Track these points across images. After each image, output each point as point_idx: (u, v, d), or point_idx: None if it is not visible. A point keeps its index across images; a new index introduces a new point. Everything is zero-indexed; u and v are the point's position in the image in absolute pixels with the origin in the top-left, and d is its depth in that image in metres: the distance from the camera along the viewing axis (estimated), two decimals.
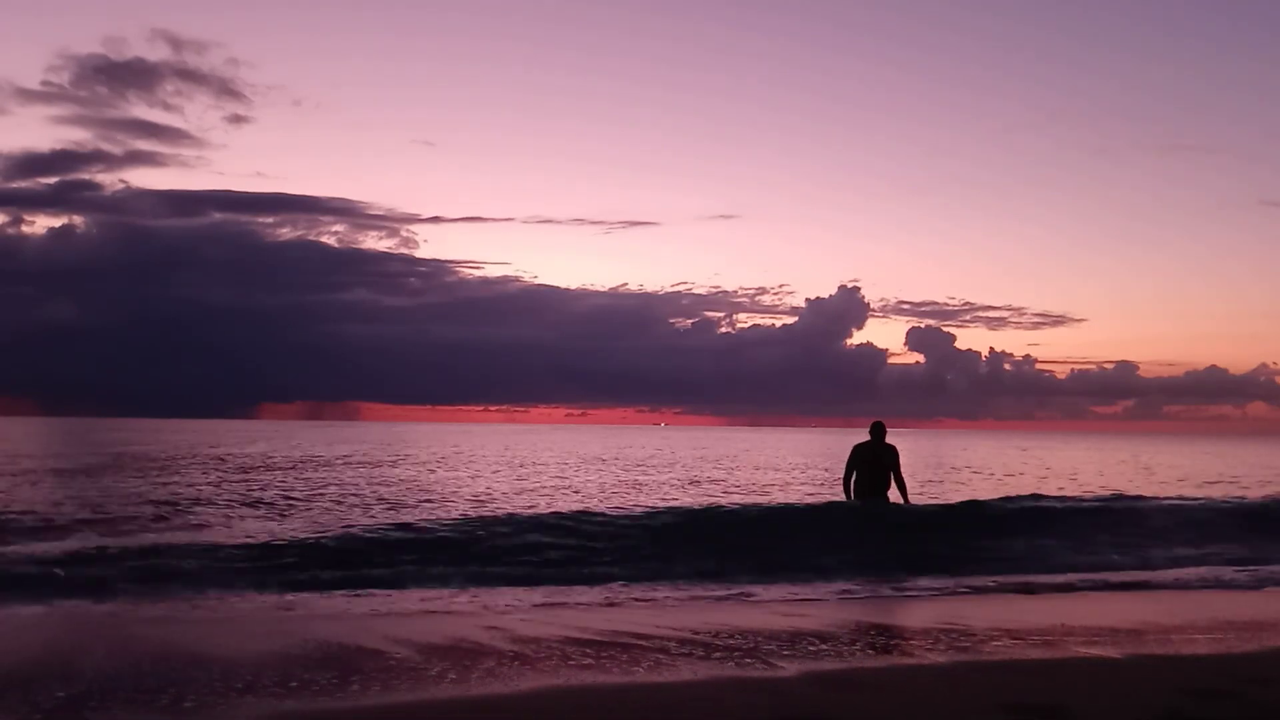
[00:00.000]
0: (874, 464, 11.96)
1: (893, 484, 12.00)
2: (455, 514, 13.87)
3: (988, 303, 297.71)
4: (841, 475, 12.36)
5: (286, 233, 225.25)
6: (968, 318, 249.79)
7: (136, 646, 6.06)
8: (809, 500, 16.16)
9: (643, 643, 6.37)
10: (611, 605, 8.31)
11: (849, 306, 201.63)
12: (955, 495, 19.29)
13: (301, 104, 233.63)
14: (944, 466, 36.35)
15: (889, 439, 12.01)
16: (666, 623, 7.12)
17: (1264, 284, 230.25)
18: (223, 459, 31.37)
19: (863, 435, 12.14)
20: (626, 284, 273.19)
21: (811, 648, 6.31)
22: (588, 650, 6.13)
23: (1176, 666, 5.74)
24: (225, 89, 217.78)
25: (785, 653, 6.11)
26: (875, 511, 12.09)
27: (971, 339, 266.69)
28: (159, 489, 18.87)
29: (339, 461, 31.74)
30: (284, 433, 79.90)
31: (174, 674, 5.32)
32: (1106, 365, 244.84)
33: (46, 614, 7.35)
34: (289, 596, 8.45)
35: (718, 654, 6.06)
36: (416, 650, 6.02)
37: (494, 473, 27.32)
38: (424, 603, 8.28)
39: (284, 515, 14.73)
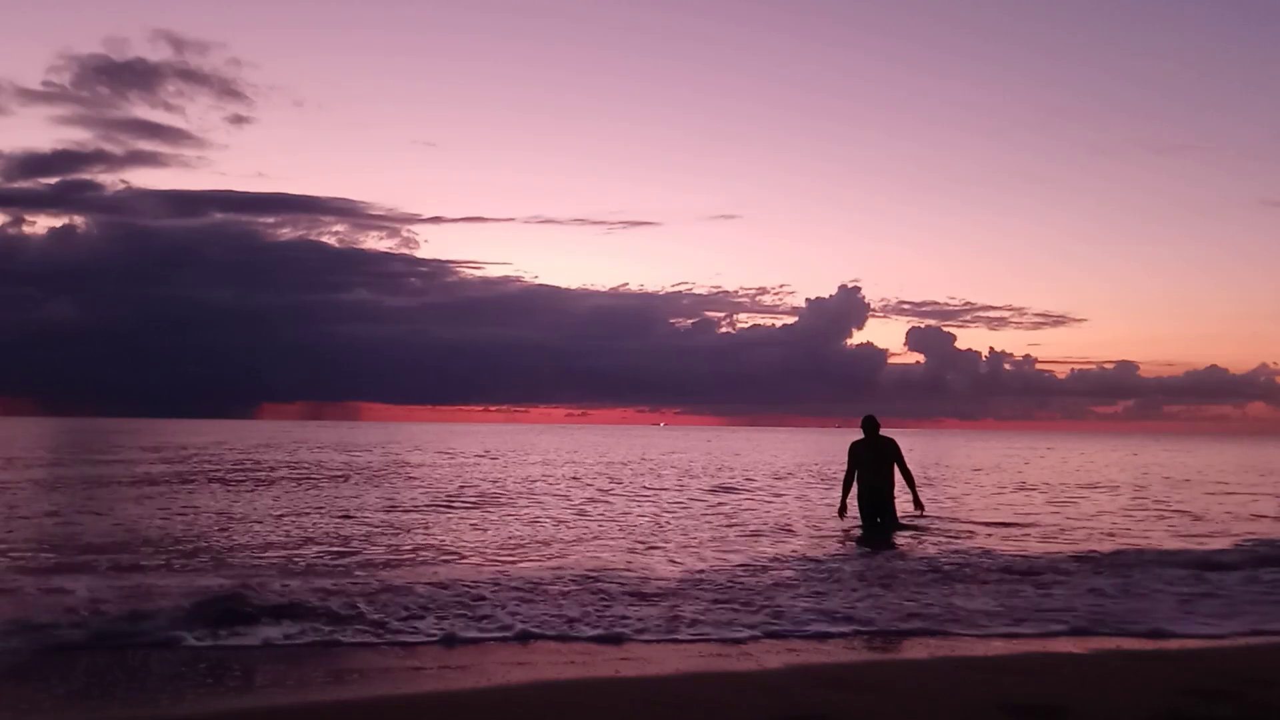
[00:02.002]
0: (876, 460, 11.57)
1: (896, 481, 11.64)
2: None
3: (988, 303, 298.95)
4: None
5: (287, 233, 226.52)
6: (968, 318, 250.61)
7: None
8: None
9: (633, 638, 6.36)
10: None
11: (849, 306, 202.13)
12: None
13: (303, 104, 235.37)
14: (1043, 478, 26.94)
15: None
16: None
17: (1265, 284, 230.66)
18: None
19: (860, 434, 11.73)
20: (627, 284, 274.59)
21: (804, 645, 6.28)
22: (576, 644, 6.13)
23: (1176, 666, 5.71)
24: (226, 89, 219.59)
25: (776, 649, 6.10)
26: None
27: (971, 339, 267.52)
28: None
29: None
30: (344, 434, 75.91)
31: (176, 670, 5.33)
32: (1107, 365, 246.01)
33: None
34: None
35: (707, 649, 6.06)
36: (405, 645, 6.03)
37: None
38: None
39: None
